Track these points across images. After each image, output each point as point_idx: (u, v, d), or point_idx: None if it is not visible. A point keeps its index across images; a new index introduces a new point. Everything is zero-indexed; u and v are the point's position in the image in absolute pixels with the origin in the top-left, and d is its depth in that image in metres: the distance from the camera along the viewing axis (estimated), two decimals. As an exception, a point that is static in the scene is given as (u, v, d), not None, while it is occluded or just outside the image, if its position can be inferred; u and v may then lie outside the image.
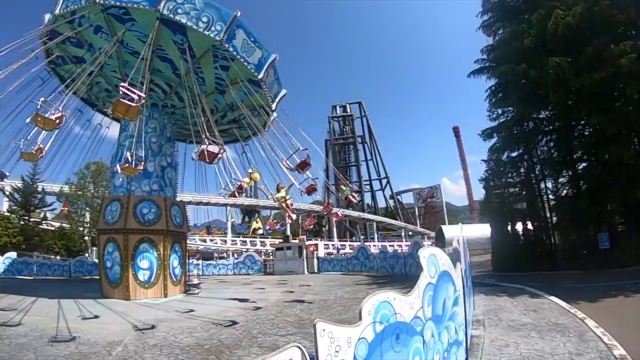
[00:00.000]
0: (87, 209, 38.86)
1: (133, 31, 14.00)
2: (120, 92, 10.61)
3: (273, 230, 39.49)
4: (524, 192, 23.17)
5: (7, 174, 15.53)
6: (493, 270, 21.68)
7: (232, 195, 15.23)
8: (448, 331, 4.75)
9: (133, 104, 10.64)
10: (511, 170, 23.79)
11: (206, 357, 6.57)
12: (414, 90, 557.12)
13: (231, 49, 14.09)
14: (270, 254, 40.21)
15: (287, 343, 6.98)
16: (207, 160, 12.49)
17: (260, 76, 15.11)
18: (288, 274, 28.64)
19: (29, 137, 12.50)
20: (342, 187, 17.51)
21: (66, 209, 37.09)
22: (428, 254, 4.25)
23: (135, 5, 13.05)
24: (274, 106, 17.72)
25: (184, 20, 13.19)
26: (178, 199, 18.82)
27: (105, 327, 9.25)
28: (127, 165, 12.93)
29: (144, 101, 11.39)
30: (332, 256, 35.30)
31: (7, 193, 38.28)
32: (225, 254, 53.47)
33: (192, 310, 11.75)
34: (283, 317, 10.11)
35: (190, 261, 24.84)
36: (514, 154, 23.66)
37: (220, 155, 12.67)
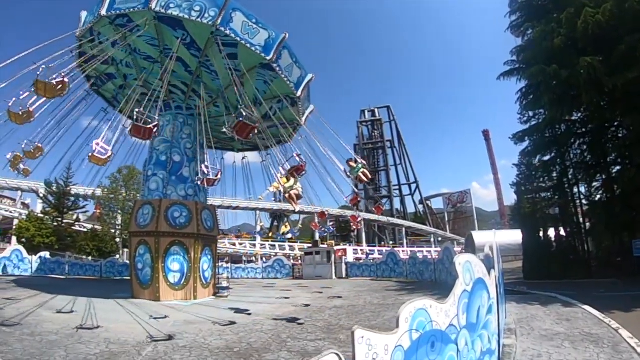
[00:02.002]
0: (119, 211, 40.03)
1: (141, 36, 14.52)
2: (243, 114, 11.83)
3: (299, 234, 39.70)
4: (556, 197, 22.58)
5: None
6: (524, 277, 21.14)
7: (206, 181, 14.23)
8: (481, 340, 4.67)
9: (147, 127, 11.49)
10: (543, 174, 23.25)
11: None
12: (443, 93, 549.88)
13: (229, 32, 13.75)
14: (299, 258, 40.39)
15: (316, 348, 7.06)
16: (242, 135, 12.76)
17: (269, 57, 14.46)
18: (316, 279, 28.63)
19: (21, 98, 11.94)
20: (351, 164, 15.14)
21: (98, 211, 38.23)
22: (463, 260, 4.20)
23: (132, 9, 13.60)
24: (303, 120, 17.98)
25: (176, 13, 13.40)
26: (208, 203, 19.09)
27: (135, 327, 9.42)
28: (92, 154, 12.06)
29: (156, 128, 11.87)
30: (361, 261, 35.22)
31: (41, 195, 39.68)
32: (254, 258, 53.98)
33: (221, 313, 11.90)
34: (312, 322, 10.11)
35: (220, 264, 25.14)
36: (546, 158, 23.16)
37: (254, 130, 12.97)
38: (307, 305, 13.58)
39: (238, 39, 13.92)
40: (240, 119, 12.40)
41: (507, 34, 24.65)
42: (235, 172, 28.38)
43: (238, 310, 12.44)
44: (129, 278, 17.68)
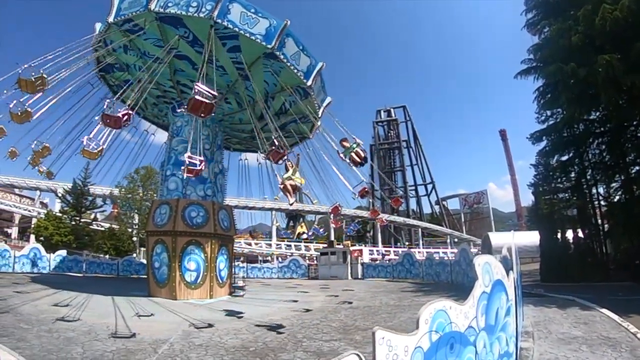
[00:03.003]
0: (136, 211, 40.63)
1: (148, 39, 14.88)
2: (195, 90, 11.01)
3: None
4: (574, 198, 22.17)
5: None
6: (541, 279, 20.83)
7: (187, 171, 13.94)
8: (499, 342, 4.63)
9: (208, 101, 11.10)
10: (561, 175, 22.88)
11: None
12: (459, 93, 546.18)
13: (227, 23, 13.71)
14: (315, 258, 40.40)
15: (331, 349, 7.08)
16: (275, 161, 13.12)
17: (271, 45, 14.20)
18: (332, 279, 28.64)
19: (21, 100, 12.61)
20: (345, 144, 14.26)
21: (116, 210, 38.85)
22: (482, 261, 4.17)
23: (135, 12, 13.91)
24: (320, 112, 17.88)
25: (174, 11, 13.55)
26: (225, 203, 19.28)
27: (151, 325, 9.52)
28: (84, 149, 12.57)
29: (126, 117, 11.52)
30: (377, 262, 35.11)
31: (60, 195, 40.43)
32: (269, 258, 54.20)
33: (237, 312, 11.97)
34: (327, 322, 10.10)
35: (236, 264, 25.36)
36: (564, 158, 22.75)
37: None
38: (322, 306, 13.57)
39: (237, 29, 13.82)
40: (273, 147, 12.90)
41: (524, 32, 24.37)
42: (246, 172, 28.64)
43: (253, 310, 12.50)
44: (145, 276, 17.92)
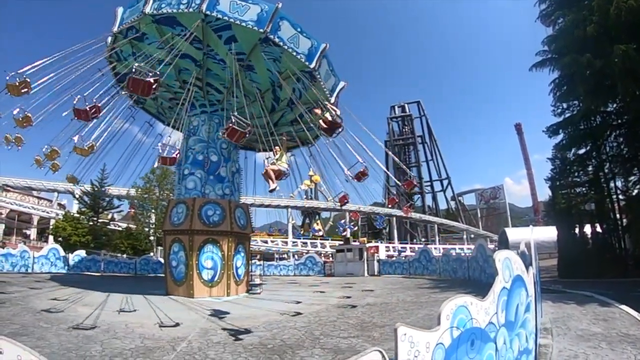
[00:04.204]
0: (153, 210, 41.14)
1: (151, 43, 15.19)
2: (233, 120, 11.69)
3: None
4: (592, 192, 21.80)
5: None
6: (559, 276, 20.59)
7: (161, 160, 14.29)
8: (519, 339, 4.59)
9: (242, 130, 11.73)
10: (578, 168, 22.49)
11: (269, 357, 6.60)
12: (473, 86, 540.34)
13: (216, 14, 13.61)
14: (330, 256, 40.36)
15: (349, 345, 7.11)
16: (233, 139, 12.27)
17: (263, 29, 14.03)
18: (348, 276, 28.63)
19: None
20: (316, 111, 13.16)
21: (133, 210, 39.37)
22: (503, 257, 4.14)
23: (134, 18, 14.30)
24: (332, 99, 17.50)
25: (167, 10, 13.72)
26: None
27: (170, 323, 9.58)
28: (75, 146, 14.72)
29: (156, 83, 11.18)
30: (393, 259, 35.03)
31: (77, 196, 41.18)
32: (285, 255, 54.42)
33: (254, 309, 12.09)
34: (344, 319, 10.10)
35: (253, 261, 25.58)
36: (581, 151, 22.37)
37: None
38: (339, 303, 13.59)
39: (227, 18, 13.74)
40: (230, 123, 12.12)
41: (538, 23, 24.00)
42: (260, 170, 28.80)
43: (270, 307, 12.57)
44: (162, 275, 18.14)
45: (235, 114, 11.90)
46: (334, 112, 12.17)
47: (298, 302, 13.91)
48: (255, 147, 22.88)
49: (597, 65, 17.91)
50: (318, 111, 12.69)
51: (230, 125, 11.71)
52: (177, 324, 9.40)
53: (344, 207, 19.02)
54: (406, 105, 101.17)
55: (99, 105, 12.89)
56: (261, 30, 13.93)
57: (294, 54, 14.89)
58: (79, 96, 12.43)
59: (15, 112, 13.46)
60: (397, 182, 21.30)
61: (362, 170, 14.66)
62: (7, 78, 12.63)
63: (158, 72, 11.02)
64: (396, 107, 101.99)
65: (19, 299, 12.12)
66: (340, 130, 12.74)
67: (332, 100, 17.24)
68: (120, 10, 15.72)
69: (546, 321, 9.05)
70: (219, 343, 7.53)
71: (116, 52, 16.23)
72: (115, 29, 14.86)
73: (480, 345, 3.43)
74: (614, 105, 21.39)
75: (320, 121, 12.33)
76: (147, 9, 13.81)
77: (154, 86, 10.83)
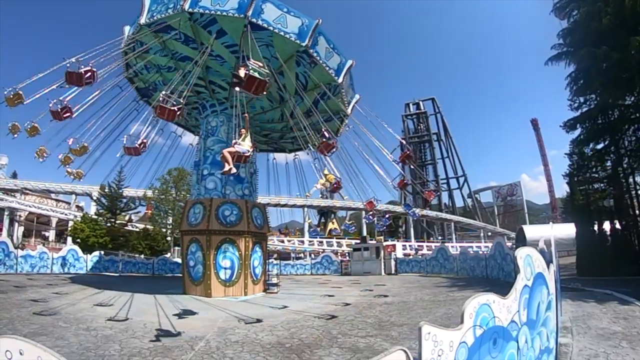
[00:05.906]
0: (170, 211, 41.60)
1: (178, 39, 15.42)
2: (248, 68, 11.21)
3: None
4: (610, 188, 21.36)
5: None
6: (578, 273, 20.18)
7: (125, 150, 14.98)
8: (540, 337, 4.56)
9: (172, 108, 12.15)
10: (596, 164, 22.01)
11: (287, 356, 6.61)
12: (488, 83, 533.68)
13: (199, 9, 13.86)
14: (347, 254, 40.31)
15: (367, 344, 7.12)
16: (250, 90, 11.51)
17: (305, 43, 14.32)
18: (365, 275, 28.57)
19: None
20: (240, 69, 11.67)
21: (150, 211, 39.90)
22: (524, 254, 4.10)
23: (167, 13, 14.44)
24: (349, 110, 17.96)
25: (158, 17, 14.47)
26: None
27: (188, 322, 9.70)
28: (71, 148, 16.21)
29: (179, 111, 12.36)
30: (410, 257, 34.80)
31: (95, 198, 41.88)
32: (302, 254, 54.56)
33: (271, 308, 12.15)
34: (362, 318, 10.12)
35: (270, 261, 25.70)
36: (599, 146, 21.87)
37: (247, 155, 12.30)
38: (356, 302, 13.58)
39: (208, 12, 13.94)
40: (324, 139, 13.71)
41: (552, 16, 23.56)
42: (273, 171, 29.04)
43: (288, 306, 12.62)
44: (180, 275, 18.32)
45: (252, 60, 11.39)
46: (256, 66, 11.21)
47: (315, 301, 13.96)
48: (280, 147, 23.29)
49: (614, 57, 17.48)
50: (242, 70, 11.45)
51: (246, 72, 10.96)
52: (194, 323, 9.48)
53: (370, 209, 19.18)
54: (421, 103, 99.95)
55: (95, 70, 12.79)
56: (303, 43, 14.46)
57: (327, 68, 15.73)
58: (73, 59, 12.36)
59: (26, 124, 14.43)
60: (413, 181, 21.38)
61: (403, 179, 15.35)
62: (5, 93, 13.24)
63: (182, 101, 12.38)
64: (411, 105, 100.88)
65: (40, 301, 12.28)
66: (334, 150, 14.46)
67: (349, 111, 17.68)
68: (127, 28, 16.42)
69: (566, 320, 8.93)
70: (237, 342, 7.58)
71: (127, 63, 16.60)
72: (143, 20, 14.96)
73: (502, 344, 3.42)
74: (632, 98, 20.88)
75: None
76: (142, 20, 14.54)
77: (177, 112, 12.25)
